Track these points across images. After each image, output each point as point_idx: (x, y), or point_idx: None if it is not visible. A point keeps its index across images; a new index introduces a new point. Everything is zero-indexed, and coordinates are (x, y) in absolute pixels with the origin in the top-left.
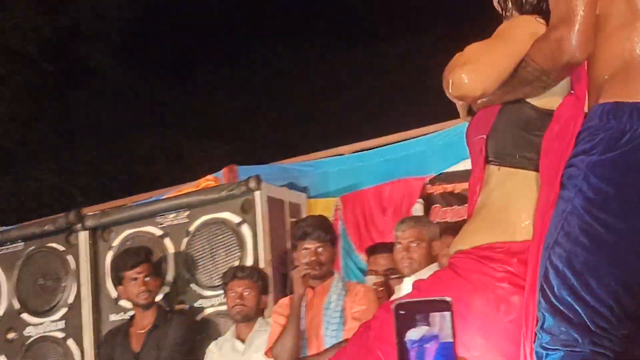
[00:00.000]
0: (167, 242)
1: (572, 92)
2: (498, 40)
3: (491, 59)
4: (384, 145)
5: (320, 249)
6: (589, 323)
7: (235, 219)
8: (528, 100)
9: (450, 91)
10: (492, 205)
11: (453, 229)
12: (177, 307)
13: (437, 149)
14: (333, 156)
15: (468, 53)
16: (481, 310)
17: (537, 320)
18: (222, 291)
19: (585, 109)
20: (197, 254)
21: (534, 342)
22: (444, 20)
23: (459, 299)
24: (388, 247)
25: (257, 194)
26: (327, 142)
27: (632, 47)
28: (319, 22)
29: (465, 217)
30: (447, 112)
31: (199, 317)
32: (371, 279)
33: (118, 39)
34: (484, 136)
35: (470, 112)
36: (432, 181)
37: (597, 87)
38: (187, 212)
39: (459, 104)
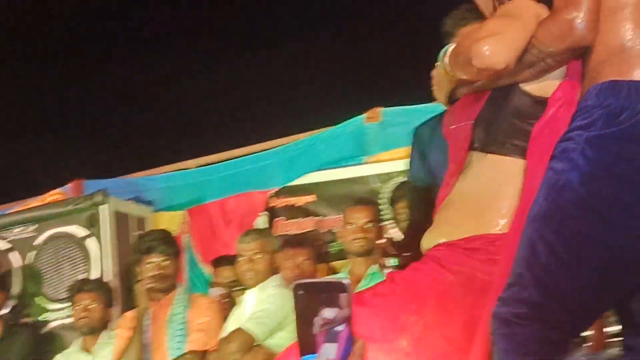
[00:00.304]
0: (13, 255)
1: (568, 78)
2: (512, 18)
3: (512, 33)
4: (228, 159)
5: (164, 263)
6: (573, 295)
7: (81, 232)
8: (520, 85)
9: (475, 64)
10: (476, 193)
11: (295, 241)
12: (23, 320)
13: (280, 163)
14: (178, 170)
15: (490, 26)
16: (467, 304)
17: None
18: (68, 304)
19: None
20: (44, 267)
21: (496, 307)
22: (294, 36)
23: (443, 292)
24: (232, 260)
25: (103, 207)
26: (172, 156)
27: (625, 30)
28: (168, 39)
29: (309, 229)
30: (291, 126)
31: (44, 330)
32: (215, 291)
33: None
34: (470, 122)
35: (450, 100)
36: (276, 194)
37: (591, 71)
38: (34, 226)
39: (441, 90)
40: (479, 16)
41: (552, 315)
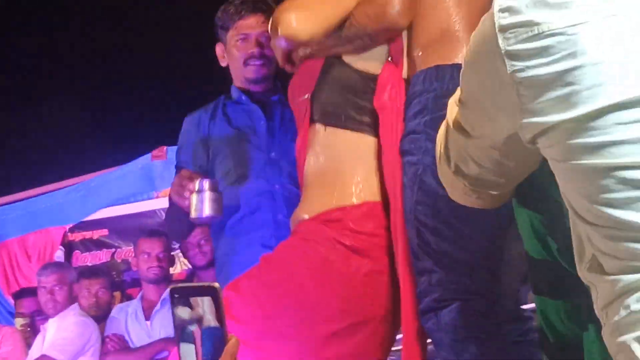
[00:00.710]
0: None
1: (390, 59)
2: None
3: (322, 8)
4: (25, 198)
5: None
6: (473, 262)
7: None
8: (349, 62)
9: (279, 31)
10: (325, 169)
11: (91, 272)
12: None
13: (75, 200)
14: None
15: (303, 0)
16: (337, 269)
17: (417, 285)
18: None
19: (405, 76)
20: None
21: (419, 305)
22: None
23: (313, 262)
24: (33, 291)
25: None
26: None
27: (448, 16)
28: None
29: (104, 260)
30: (83, 166)
31: None
32: (19, 321)
33: None
34: (308, 95)
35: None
36: (72, 230)
37: (417, 57)
38: None
39: (280, 52)
40: (256, 7)
41: (465, 287)
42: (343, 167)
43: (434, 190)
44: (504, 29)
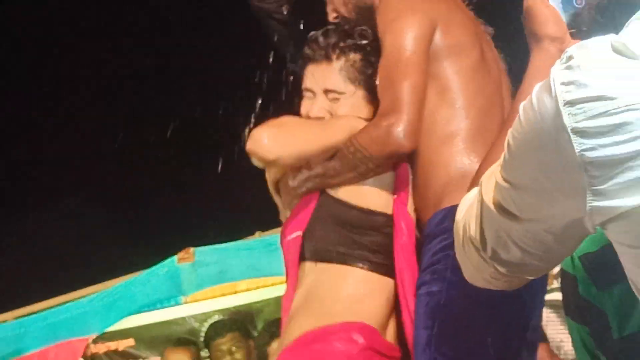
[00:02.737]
0: None
1: (396, 196)
2: (317, 122)
3: (299, 131)
4: (45, 309)
5: None
6: None
7: None
8: (345, 200)
9: (247, 146)
10: (309, 299)
11: None
12: None
13: (97, 309)
14: None
15: (282, 120)
16: None
17: None
18: None
19: (410, 212)
20: None
21: None
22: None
23: None
24: None
25: None
26: None
27: (463, 157)
28: None
29: None
30: (106, 272)
31: None
32: None
33: None
34: (300, 233)
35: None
36: (95, 341)
37: (435, 194)
38: None
39: (277, 200)
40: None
41: None
42: (326, 295)
43: (457, 325)
44: (570, 103)
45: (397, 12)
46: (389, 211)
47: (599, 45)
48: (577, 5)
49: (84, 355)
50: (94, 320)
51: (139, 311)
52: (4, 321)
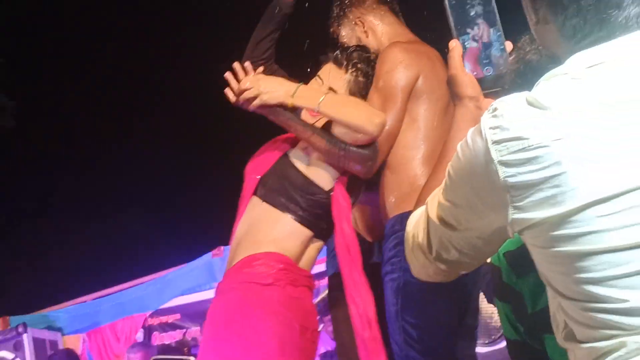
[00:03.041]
0: None
1: (338, 180)
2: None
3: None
4: (115, 292)
5: None
6: (441, 340)
7: (9, 356)
8: (300, 169)
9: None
10: (248, 232)
11: (168, 348)
12: None
13: (152, 292)
14: (77, 304)
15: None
16: (254, 303)
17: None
18: None
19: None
20: None
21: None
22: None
23: (228, 311)
24: None
25: (24, 336)
26: (73, 294)
27: (415, 175)
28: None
29: (178, 339)
30: (158, 265)
31: None
32: None
33: None
34: (259, 177)
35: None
36: (151, 315)
37: (391, 202)
38: None
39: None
40: None
41: (431, 353)
42: (260, 228)
43: (415, 298)
44: (496, 142)
45: (392, 65)
46: (327, 187)
47: (516, 99)
48: (487, 74)
49: (143, 326)
50: (150, 300)
51: (183, 293)
52: (84, 301)
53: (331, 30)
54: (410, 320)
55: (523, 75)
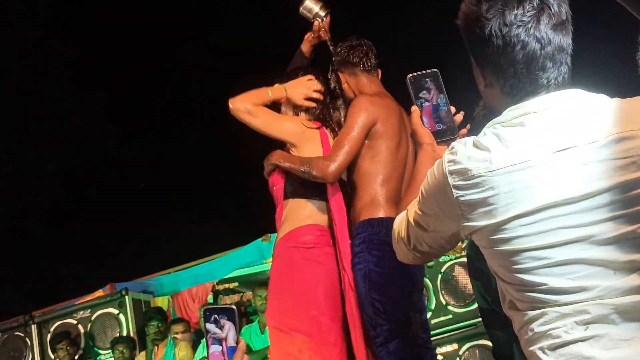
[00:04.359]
0: (80, 327)
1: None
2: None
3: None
4: (191, 266)
5: (159, 325)
6: (400, 316)
7: (115, 311)
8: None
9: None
10: (287, 216)
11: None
12: None
13: (218, 266)
14: (164, 274)
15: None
16: (297, 273)
17: (373, 332)
18: (110, 351)
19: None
20: (96, 331)
21: (375, 342)
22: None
23: (285, 269)
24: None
25: (126, 297)
26: (161, 267)
27: (375, 192)
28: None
29: (237, 300)
30: (222, 246)
31: None
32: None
33: None
34: (280, 185)
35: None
36: (218, 283)
37: (357, 211)
38: (89, 310)
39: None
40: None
41: (400, 329)
42: (297, 211)
43: (377, 281)
44: (451, 172)
45: (357, 108)
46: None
47: (466, 142)
48: (438, 128)
49: (212, 291)
50: (217, 272)
51: (240, 267)
52: (167, 273)
53: (330, 78)
54: (376, 297)
55: (487, 117)
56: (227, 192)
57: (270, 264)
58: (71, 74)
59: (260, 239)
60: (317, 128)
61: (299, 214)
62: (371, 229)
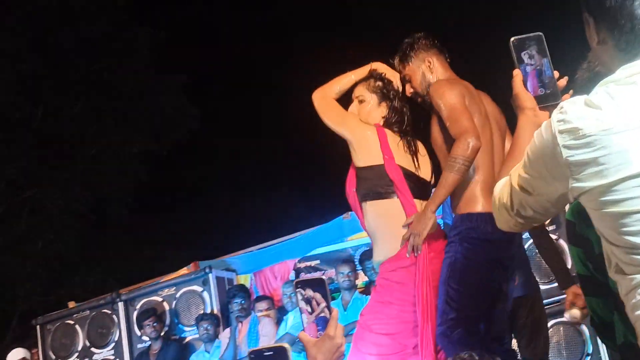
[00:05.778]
0: (165, 304)
1: (383, 154)
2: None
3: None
4: (273, 245)
5: (243, 302)
6: (473, 309)
7: (199, 288)
8: (363, 166)
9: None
10: (377, 229)
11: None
12: (172, 337)
13: (300, 244)
14: (246, 252)
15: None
16: (402, 297)
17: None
18: (195, 327)
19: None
20: (181, 308)
21: (438, 330)
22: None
23: (391, 295)
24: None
25: (210, 275)
26: (243, 246)
27: (473, 188)
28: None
29: (318, 277)
30: (304, 225)
31: (184, 342)
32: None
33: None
34: (354, 189)
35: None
36: (300, 261)
37: (457, 206)
38: (174, 287)
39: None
40: None
41: (466, 321)
42: (386, 229)
43: (460, 270)
44: (561, 132)
45: (444, 89)
46: (379, 162)
47: (577, 101)
48: (540, 93)
49: (294, 268)
50: (299, 250)
51: (322, 245)
52: (252, 251)
53: (395, 62)
54: (453, 285)
55: (592, 81)
56: (309, 171)
57: (351, 241)
58: (154, 58)
59: (342, 216)
60: (374, 125)
61: (390, 234)
62: (470, 224)
